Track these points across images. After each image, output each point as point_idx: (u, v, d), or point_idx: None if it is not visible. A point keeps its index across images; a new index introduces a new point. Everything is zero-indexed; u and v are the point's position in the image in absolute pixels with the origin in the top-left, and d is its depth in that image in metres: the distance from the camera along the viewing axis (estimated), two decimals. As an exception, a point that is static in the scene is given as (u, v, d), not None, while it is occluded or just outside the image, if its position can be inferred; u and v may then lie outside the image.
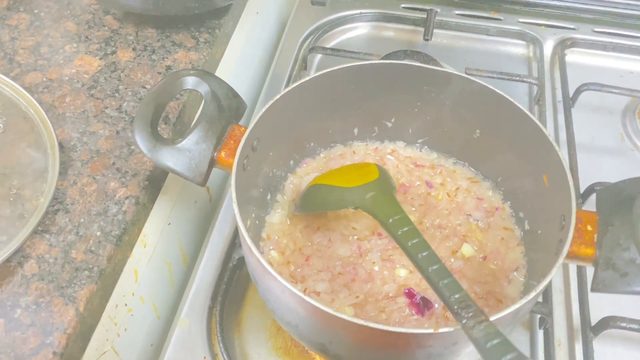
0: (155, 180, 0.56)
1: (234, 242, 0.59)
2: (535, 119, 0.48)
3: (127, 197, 0.52)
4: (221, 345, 0.52)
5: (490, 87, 0.52)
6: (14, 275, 0.47)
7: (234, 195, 0.44)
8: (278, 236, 0.54)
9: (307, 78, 0.52)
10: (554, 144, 0.47)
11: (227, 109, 0.50)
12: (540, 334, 0.54)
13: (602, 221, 0.43)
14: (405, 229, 0.41)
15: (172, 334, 0.54)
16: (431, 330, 0.36)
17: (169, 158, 0.46)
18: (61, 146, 0.55)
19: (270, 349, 0.55)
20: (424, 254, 0.40)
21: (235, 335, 0.55)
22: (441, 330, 0.36)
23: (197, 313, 0.55)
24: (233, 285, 0.57)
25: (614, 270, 0.40)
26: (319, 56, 0.79)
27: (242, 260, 0.57)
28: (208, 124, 0.48)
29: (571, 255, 0.42)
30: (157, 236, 0.58)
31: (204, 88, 0.50)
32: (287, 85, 0.74)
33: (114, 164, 0.54)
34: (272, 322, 0.56)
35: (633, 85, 0.77)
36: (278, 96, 0.50)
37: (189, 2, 0.61)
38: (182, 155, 0.47)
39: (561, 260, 0.40)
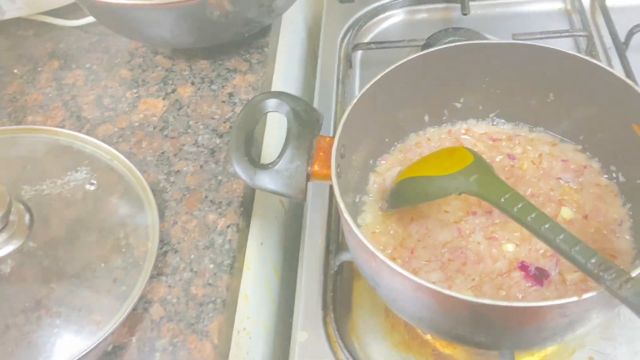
0: (247, 204, 0.57)
1: (329, 249, 0.60)
2: (614, 71, 0.48)
3: (228, 226, 0.54)
4: (345, 351, 0.53)
5: (560, 49, 0.52)
6: (143, 321, 0.49)
7: (342, 206, 0.45)
8: (376, 236, 0.55)
9: (376, 78, 0.53)
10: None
11: (309, 123, 0.51)
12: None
13: None
14: (520, 205, 0.42)
15: (294, 349, 0.55)
16: (575, 298, 0.37)
17: (269, 181, 0.48)
18: (152, 190, 0.57)
19: (390, 347, 0.56)
20: (547, 225, 0.40)
21: (354, 339, 0.56)
22: (585, 296, 0.37)
23: (313, 324, 0.56)
24: (338, 292, 0.58)
25: None
26: (360, 52, 0.80)
27: (341, 266, 0.59)
28: (296, 141, 0.49)
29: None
30: (256, 257, 0.60)
31: (284, 108, 0.51)
32: (337, 85, 0.75)
33: (206, 197, 0.56)
34: (385, 319, 0.57)
35: (681, 19, 0.76)
36: (354, 101, 0.51)
37: (239, 28, 0.62)
38: (281, 176, 0.48)
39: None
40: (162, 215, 0.55)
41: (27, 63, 0.72)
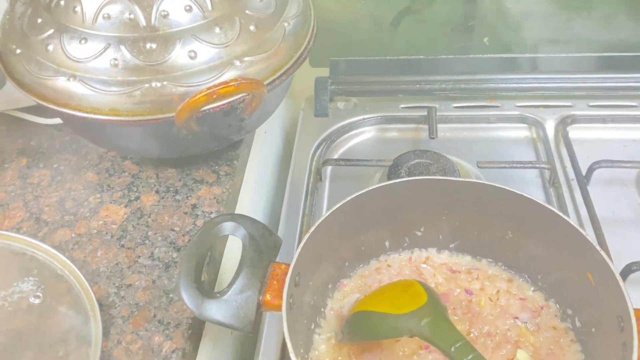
0: (197, 327, 0.55)
1: (282, 375, 0.58)
2: (571, 220, 0.49)
3: (173, 351, 0.52)
4: None
5: (517, 191, 0.53)
6: None
7: (289, 340, 0.43)
8: (327, 365, 0.53)
9: (335, 207, 0.53)
10: (596, 244, 0.47)
11: (265, 249, 0.51)
12: None
13: (660, 318, 0.42)
14: (469, 356, 0.41)
15: None
16: None
17: (217, 312, 0.46)
18: (100, 304, 0.55)
19: None
20: (494, 382, 0.39)
21: None
22: None
23: None
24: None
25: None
26: (330, 167, 0.81)
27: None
28: (250, 268, 0.49)
29: (639, 360, 0.41)
30: (204, 381, 0.57)
31: (240, 233, 0.50)
32: (305, 199, 0.75)
33: (155, 316, 0.54)
34: None
35: (636, 153, 0.79)
36: (313, 229, 0.51)
37: (208, 144, 0.63)
38: (229, 306, 0.47)
39: (632, 368, 0.39)
40: (106, 333, 0.53)
41: (-5, 158, 0.72)
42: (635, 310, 0.43)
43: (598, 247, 0.46)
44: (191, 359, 0.54)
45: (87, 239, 0.61)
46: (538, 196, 0.74)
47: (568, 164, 0.78)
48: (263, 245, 0.50)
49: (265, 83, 0.57)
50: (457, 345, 0.42)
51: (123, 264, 0.59)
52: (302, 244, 0.50)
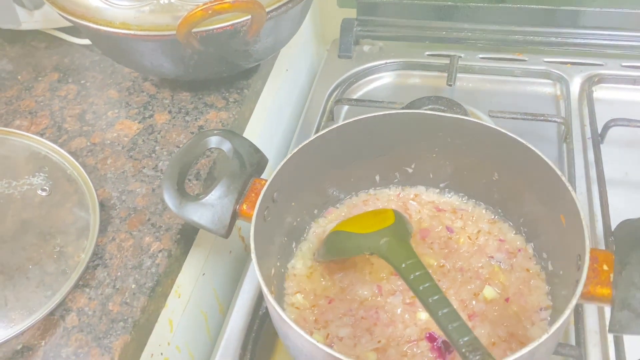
0: (188, 234, 0.59)
1: (262, 294, 0.61)
2: (547, 159, 0.49)
3: (160, 251, 0.56)
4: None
5: (502, 130, 0.53)
6: (56, 327, 0.51)
7: (252, 246, 0.46)
8: (303, 281, 0.56)
9: (323, 131, 0.55)
10: (566, 182, 0.47)
11: (249, 164, 0.53)
12: (573, 378, 0.53)
13: (619, 260, 0.42)
14: (417, 273, 0.43)
15: (206, 382, 0.56)
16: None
17: (194, 213, 0.50)
18: (102, 205, 0.60)
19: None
20: (435, 297, 0.41)
21: (267, 383, 0.57)
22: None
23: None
24: (264, 333, 0.59)
25: (629, 310, 0.39)
26: (345, 107, 0.82)
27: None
28: (230, 179, 0.51)
29: (587, 296, 0.41)
30: (192, 287, 0.61)
31: (226, 146, 0.53)
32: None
33: (149, 219, 0.58)
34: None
35: (667, 117, 0.76)
36: (295, 150, 0.53)
37: (216, 67, 0.65)
38: (206, 209, 0.50)
39: (575, 301, 0.40)
40: (103, 230, 0.57)
41: (32, 72, 0.77)
42: (594, 249, 0.43)
43: (568, 184, 0.46)
44: (179, 262, 0.58)
45: (100, 148, 0.66)
46: (550, 151, 0.74)
47: (587, 122, 0.76)
48: (247, 160, 0.53)
49: (269, 9, 0.58)
50: (408, 262, 0.44)
51: (128, 172, 0.63)
52: (283, 162, 0.52)
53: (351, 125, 0.56)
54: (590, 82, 0.79)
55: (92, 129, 0.68)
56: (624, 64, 0.82)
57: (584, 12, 0.85)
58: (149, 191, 0.61)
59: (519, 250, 0.55)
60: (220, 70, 0.67)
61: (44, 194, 0.58)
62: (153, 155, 0.65)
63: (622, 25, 0.83)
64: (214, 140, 0.53)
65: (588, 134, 0.74)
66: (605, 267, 0.42)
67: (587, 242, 0.43)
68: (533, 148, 0.50)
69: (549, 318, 0.50)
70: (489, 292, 0.52)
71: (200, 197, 0.50)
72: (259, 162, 0.54)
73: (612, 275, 0.42)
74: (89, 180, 0.60)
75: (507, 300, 0.52)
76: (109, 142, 0.67)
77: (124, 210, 0.59)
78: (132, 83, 0.74)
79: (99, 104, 0.72)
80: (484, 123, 0.54)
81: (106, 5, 0.57)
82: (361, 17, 0.89)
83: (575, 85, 0.80)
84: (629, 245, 0.43)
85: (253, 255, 0.46)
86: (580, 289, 0.40)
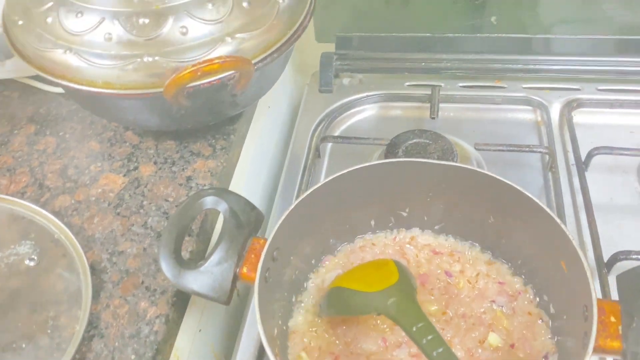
0: (183, 295, 0.57)
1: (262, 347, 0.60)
2: (547, 209, 0.49)
3: (157, 317, 0.54)
4: None
5: (498, 177, 0.53)
6: (55, 406, 0.49)
7: (258, 314, 0.45)
8: (306, 337, 0.55)
9: (317, 185, 0.54)
10: (567, 231, 0.47)
11: (246, 223, 0.52)
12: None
13: (625, 311, 0.43)
14: (429, 337, 0.42)
15: None
16: None
17: (193, 282, 0.49)
18: (92, 268, 0.58)
19: None
20: (449, 362, 0.40)
21: None
22: None
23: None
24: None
25: (641, 363, 0.40)
26: (330, 143, 0.82)
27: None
28: (228, 241, 0.50)
29: (597, 350, 0.42)
30: (190, 346, 0.60)
31: (222, 206, 0.52)
32: (302, 175, 0.77)
33: (142, 282, 0.57)
34: None
35: (643, 140, 0.78)
36: (292, 206, 0.53)
37: (203, 118, 0.64)
38: (206, 277, 0.49)
39: (588, 357, 0.40)
40: (96, 297, 0.56)
41: (7, 124, 0.75)
42: (600, 300, 0.43)
43: (570, 237, 0.47)
44: (176, 324, 0.56)
45: (85, 206, 0.64)
46: (536, 180, 0.75)
47: (570, 148, 0.77)
48: (244, 219, 0.52)
49: (255, 60, 0.58)
50: (419, 325, 0.43)
51: (117, 231, 0.61)
52: (280, 221, 0.51)
53: (345, 177, 0.55)
54: (570, 107, 0.81)
55: (75, 185, 0.66)
56: (599, 87, 0.83)
57: (556, 40, 0.87)
58: (140, 251, 0.59)
59: (519, 292, 0.55)
60: (206, 120, 0.65)
61: (32, 263, 0.56)
62: (141, 211, 0.63)
63: (593, 51, 0.85)
64: (209, 201, 0.52)
65: (571, 160, 0.75)
66: (612, 319, 0.43)
67: (594, 295, 0.43)
68: (531, 196, 0.50)
69: (555, 364, 0.50)
70: (494, 339, 0.52)
71: (199, 264, 0.49)
72: (256, 219, 0.53)
73: (620, 327, 0.42)
74: (77, 243, 0.58)
75: (512, 346, 0.52)
76: (94, 198, 0.65)
77: (115, 274, 0.58)
78: (113, 133, 0.72)
79: (80, 157, 0.70)
80: (477, 170, 0.55)
81: (87, 64, 0.56)
82: (340, 51, 0.89)
83: (555, 111, 0.82)
84: (633, 294, 0.43)
85: (259, 322, 0.45)
86: (591, 345, 0.40)
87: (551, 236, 0.49)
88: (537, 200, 0.50)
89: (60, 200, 0.65)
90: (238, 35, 0.57)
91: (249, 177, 0.76)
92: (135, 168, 0.68)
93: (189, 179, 0.66)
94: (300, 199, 0.53)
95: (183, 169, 0.67)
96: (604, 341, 0.42)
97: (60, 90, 0.78)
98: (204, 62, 0.50)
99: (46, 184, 0.67)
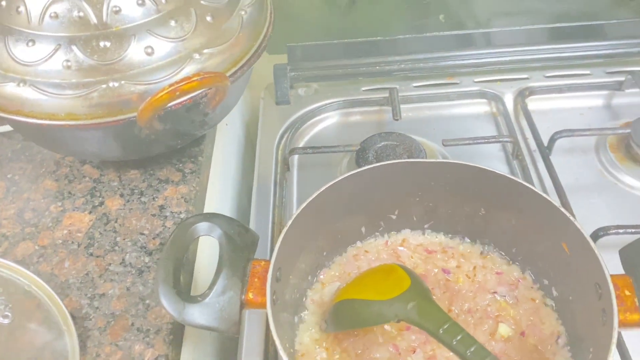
0: (178, 329, 0.54)
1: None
2: (543, 194, 0.50)
3: (156, 358, 0.50)
4: None
5: (487, 168, 0.53)
6: None
7: (278, 342, 0.43)
8: (313, 355, 0.53)
9: (310, 199, 0.52)
10: (566, 213, 0.48)
11: (243, 247, 0.49)
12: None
13: (637, 282, 0.44)
14: (459, 337, 0.41)
15: None
16: None
17: (199, 316, 0.45)
18: (73, 316, 0.53)
19: None
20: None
21: None
22: None
23: None
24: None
25: (664, 332, 0.40)
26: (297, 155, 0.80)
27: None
28: (229, 268, 0.47)
29: (619, 325, 0.42)
30: (188, 384, 0.56)
31: (216, 233, 0.49)
32: (274, 191, 0.74)
33: (132, 324, 0.52)
34: None
35: (593, 120, 0.82)
36: (290, 223, 0.50)
37: (171, 141, 0.61)
38: (211, 309, 0.46)
39: (615, 334, 0.41)
40: (83, 347, 0.51)
41: (-57, 173, 0.68)
42: (612, 275, 0.44)
43: (572, 218, 0.47)
44: (175, 362, 0.53)
45: (52, 251, 0.59)
46: (502, 169, 0.76)
47: (529, 135, 0.79)
48: (240, 243, 0.49)
49: (228, 74, 0.55)
50: (446, 326, 0.42)
51: (93, 273, 0.57)
52: (280, 239, 0.49)
53: (335, 186, 0.54)
54: (522, 96, 0.83)
55: (37, 230, 0.61)
56: (546, 74, 0.87)
57: (500, 32, 0.90)
58: (123, 291, 0.55)
59: (519, 280, 0.56)
60: (174, 143, 0.62)
61: (6, 321, 0.51)
62: (116, 248, 0.59)
63: (535, 40, 0.89)
64: (201, 228, 0.49)
65: (533, 146, 0.78)
66: (627, 292, 0.43)
67: (607, 272, 0.44)
68: (525, 183, 0.51)
69: (568, 346, 0.51)
70: (504, 329, 0.52)
71: (203, 294, 0.46)
72: (252, 241, 0.51)
73: (636, 300, 0.43)
74: (52, 292, 0.53)
75: (522, 334, 0.52)
76: (60, 241, 0.60)
77: (100, 319, 0.53)
78: (69, 169, 0.67)
79: (37, 198, 0.64)
80: (466, 163, 0.54)
81: (46, 96, 0.51)
82: (292, 62, 0.88)
83: (509, 101, 0.84)
84: (637, 265, 0.45)
85: (280, 349, 0.42)
86: (616, 320, 0.41)
87: (549, 220, 0.50)
88: (533, 187, 0.50)
89: (22, 247, 0.59)
90: (206, 50, 0.54)
91: (220, 199, 0.73)
92: (101, 203, 0.63)
93: (161, 208, 0.62)
94: (295, 215, 0.51)
95: (154, 199, 0.63)
96: (623, 315, 0.42)
97: (1, 129, 0.71)
98: (183, 80, 0.47)
99: (2, 232, 0.61)
